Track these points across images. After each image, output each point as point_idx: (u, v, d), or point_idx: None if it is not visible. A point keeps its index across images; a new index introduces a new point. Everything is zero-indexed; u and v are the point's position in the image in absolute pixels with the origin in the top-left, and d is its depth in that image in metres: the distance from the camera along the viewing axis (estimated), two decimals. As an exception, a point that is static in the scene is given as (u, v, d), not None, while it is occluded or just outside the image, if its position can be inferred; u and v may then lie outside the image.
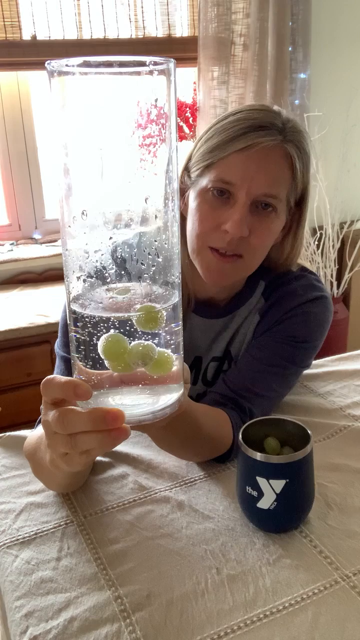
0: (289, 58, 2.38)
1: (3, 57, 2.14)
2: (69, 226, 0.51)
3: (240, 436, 0.77)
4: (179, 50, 2.34)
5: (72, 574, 0.72)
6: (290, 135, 0.90)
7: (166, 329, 0.54)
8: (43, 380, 0.57)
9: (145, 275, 0.53)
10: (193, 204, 0.93)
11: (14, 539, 0.79)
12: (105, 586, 0.70)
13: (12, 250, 2.32)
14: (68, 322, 0.55)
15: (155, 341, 0.54)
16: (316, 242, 2.56)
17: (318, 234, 2.55)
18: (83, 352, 0.54)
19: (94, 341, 0.53)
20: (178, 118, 2.44)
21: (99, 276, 0.52)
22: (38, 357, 1.96)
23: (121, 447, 0.96)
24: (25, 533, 0.79)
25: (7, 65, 2.17)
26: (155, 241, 0.52)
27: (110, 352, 0.52)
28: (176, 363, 0.57)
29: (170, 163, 0.51)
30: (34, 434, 0.86)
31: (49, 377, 0.57)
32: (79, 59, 0.45)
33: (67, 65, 0.46)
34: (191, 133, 2.48)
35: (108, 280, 0.52)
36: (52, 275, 2.34)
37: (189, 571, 0.72)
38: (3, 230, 2.41)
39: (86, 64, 0.45)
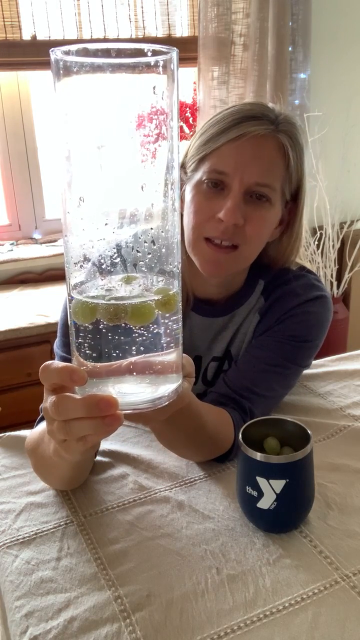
0: (289, 58, 2.38)
1: (3, 57, 2.14)
2: (68, 212, 0.51)
3: (240, 436, 0.77)
4: (179, 50, 2.34)
5: (72, 574, 0.72)
6: (282, 126, 0.91)
7: (170, 317, 0.55)
8: (41, 366, 0.58)
9: (141, 262, 0.53)
10: (188, 197, 0.94)
11: (14, 539, 0.79)
12: (105, 586, 0.70)
13: (12, 250, 2.32)
14: (68, 311, 0.56)
15: (161, 329, 0.54)
16: (316, 242, 2.56)
17: (318, 234, 2.55)
18: (82, 340, 0.55)
19: (91, 327, 0.53)
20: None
21: (98, 264, 0.52)
22: (38, 357, 1.96)
23: (121, 447, 0.96)
24: (25, 533, 0.79)
25: (7, 65, 2.17)
26: (152, 229, 0.52)
27: (81, 313, 0.53)
28: (174, 355, 0.57)
29: (170, 152, 0.51)
30: (36, 430, 0.86)
31: (47, 362, 0.57)
32: (80, 46, 0.46)
33: (70, 54, 0.46)
34: (191, 133, 2.48)
35: (104, 267, 0.52)
36: (52, 275, 2.34)
37: (189, 571, 0.72)
38: (3, 230, 2.41)
39: (87, 52, 0.46)
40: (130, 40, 2.30)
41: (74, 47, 0.46)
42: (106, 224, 0.51)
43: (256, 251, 0.95)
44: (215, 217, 0.89)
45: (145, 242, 0.52)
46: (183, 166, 0.96)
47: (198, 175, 0.92)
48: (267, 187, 0.90)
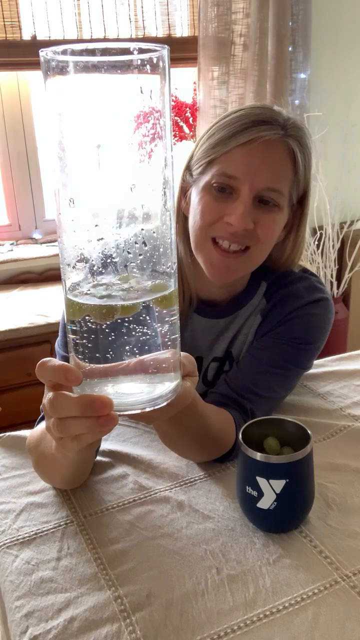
0: (289, 58, 2.37)
1: (3, 57, 2.14)
2: (60, 213, 0.51)
3: (240, 436, 0.77)
4: (179, 50, 2.34)
5: (72, 574, 0.72)
6: (291, 131, 0.90)
7: (165, 316, 0.55)
8: (39, 362, 0.58)
9: (132, 264, 0.53)
10: (195, 199, 0.93)
11: (14, 539, 0.79)
12: (105, 586, 0.70)
13: (12, 250, 2.32)
14: (65, 312, 0.56)
15: (157, 329, 0.54)
16: (316, 242, 2.56)
17: (318, 234, 2.55)
18: (79, 340, 0.55)
19: (86, 328, 0.53)
20: (178, 118, 2.44)
21: (91, 265, 0.52)
22: (38, 357, 1.92)
23: (121, 447, 0.96)
24: (25, 533, 0.79)
25: (7, 65, 2.17)
26: (143, 229, 0.52)
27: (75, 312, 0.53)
28: (170, 355, 0.57)
29: (163, 151, 0.51)
30: (38, 428, 0.87)
31: (44, 359, 0.58)
32: (70, 46, 0.45)
33: (60, 54, 0.46)
34: (191, 133, 2.48)
35: (96, 268, 0.53)
36: (52, 275, 2.34)
37: (189, 571, 0.72)
38: (3, 230, 2.41)
39: (78, 52, 0.45)
40: (129, 40, 2.30)
41: (60, 48, 0.46)
42: (96, 225, 0.51)
43: (266, 253, 0.95)
44: (224, 219, 0.89)
45: (136, 242, 0.52)
46: (189, 168, 0.96)
47: (206, 178, 0.92)
48: (277, 192, 0.90)
